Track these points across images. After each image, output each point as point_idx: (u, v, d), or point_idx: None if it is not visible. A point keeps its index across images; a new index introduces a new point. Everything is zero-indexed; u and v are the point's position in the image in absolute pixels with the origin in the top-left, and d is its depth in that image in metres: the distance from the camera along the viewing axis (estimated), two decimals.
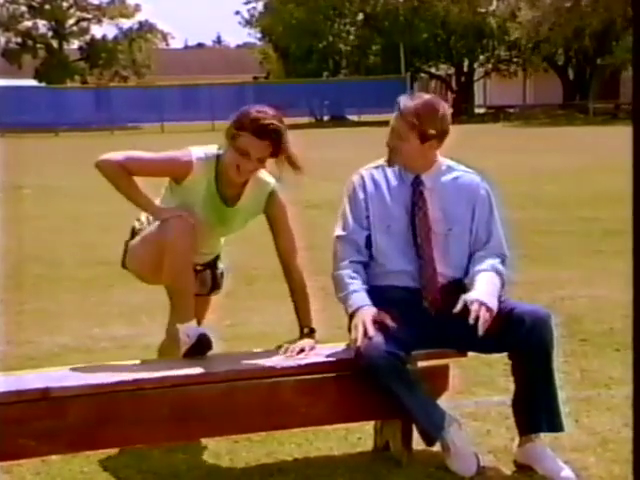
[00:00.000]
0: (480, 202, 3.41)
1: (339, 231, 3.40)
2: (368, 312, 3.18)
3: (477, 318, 3.10)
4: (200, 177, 3.34)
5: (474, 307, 3.12)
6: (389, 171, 3.41)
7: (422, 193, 3.36)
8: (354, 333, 3.16)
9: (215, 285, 3.67)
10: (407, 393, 3.14)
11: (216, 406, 3.15)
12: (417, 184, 3.37)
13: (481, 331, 3.11)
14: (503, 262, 3.39)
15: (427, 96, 3.40)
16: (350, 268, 3.33)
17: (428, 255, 3.32)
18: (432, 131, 3.28)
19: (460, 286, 3.31)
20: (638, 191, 1.36)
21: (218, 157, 3.37)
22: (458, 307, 3.15)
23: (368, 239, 3.37)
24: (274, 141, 3.25)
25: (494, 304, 3.19)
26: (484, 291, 3.21)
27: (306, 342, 3.37)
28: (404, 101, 3.33)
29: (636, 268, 1.40)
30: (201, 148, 3.41)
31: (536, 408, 3.25)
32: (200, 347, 3.28)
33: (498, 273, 3.33)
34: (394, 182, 3.39)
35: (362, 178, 3.41)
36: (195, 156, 3.35)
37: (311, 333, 3.44)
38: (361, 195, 3.38)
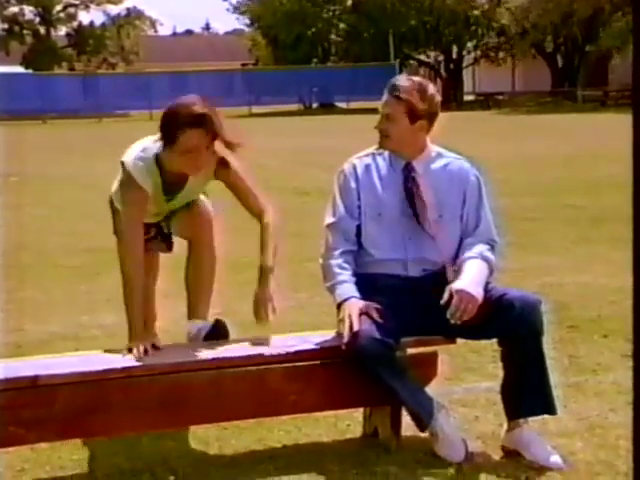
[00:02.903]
0: (470, 188, 3.42)
1: (330, 219, 3.40)
2: (355, 305, 3.19)
3: (457, 310, 3.13)
4: (147, 187, 3.34)
5: (455, 299, 3.15)
6: (380, 159, 3.42)
7: (414, 179, 3.36)
8: (340, 326, 3.17)
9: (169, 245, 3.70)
10: (397, 380, 3.15)
11: (205, 393, 3.15)
12: (409, 170, 3.38)
13: (459, 321, 3.14)
14: (492, 248, 3.41)
15: (416, 77, 3.43)
16: (340, 258, 3.33)
17: (437, 241, 3.35)
18: (421, 107, 3.29)
19: (449, 273, 3.32)
20: (638, 184, 1.36)
21: (157, 155, 3.34)
22: (445, 298, 3.17)
23: (358, 228, 3.37)
24: (208, 126, 3.22)
25: (479, 293, 3.20)
26: (470, 280, 3.22)
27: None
28: (393, 81, 3.37)
29: (636, 262, 1.40)
30: (136, 155, 3.36)
31: (527, 393, 3.26)
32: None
33: (486, 260, 3.34)
34: (385, 169, 3.40)
35: (353, 167, 3.41)
36: (135, 174, 3.32)
37: (265, 271, 3.40)
38: (352, 184, 3.38)
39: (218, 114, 3.27)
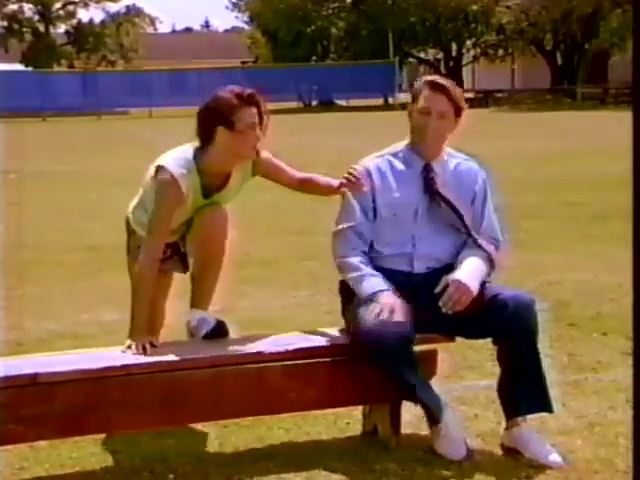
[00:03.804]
0: (479, 189, 3.46)
1: (347, 223, 3.38)
2: (393, 297, 3.20)
3: (449, 299, 3.17)
4: (187, 191, 3.32)
5: (450, 288, 3.18)
6: (396, 160, 3.43)
7: (434, 179, 3.38)
8: (378, 313, 3.14)
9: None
10: (413, 374, 3.15)
11: (205, 391, 3.15)
12: (428, 171, 3.39)
13: (450, 311, 3.17)
14: (496, 247, 3.42)
15: (446, 82, 3.43)
16: (360, 256, 3.35)
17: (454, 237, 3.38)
18: (464, 109, 3.37)
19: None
20: (638, 182, 1.36)
21: (196, 158, 3.34)
22: (440, 287, 3.21)
23: (371, 226, 3.38)
24: (259, 107, 3.31)
25: (474, 286, 3.22)
26: (467, 272, 3.25)
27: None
28: (436, 79, 3.39)
29: (636, 260, 1.40)
30: (175, 159, 3.34)
31: (523, 391, 3.27)
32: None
33: (487, 258, 3.35)
34: (402, 170, 3.41)
35: (367, 170, 3.41)
36: (177, 175, 3.30)
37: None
38: (367, 188, 3.37)
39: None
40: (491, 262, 3.36)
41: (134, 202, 3.56)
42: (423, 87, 3.37)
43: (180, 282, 3.70)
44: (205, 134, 3.32)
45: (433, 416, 3.20)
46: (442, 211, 3.38)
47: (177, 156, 3.36)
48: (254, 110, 3.29)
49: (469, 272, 3.25)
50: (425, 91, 3.36)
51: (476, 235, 3.38)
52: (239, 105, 3.26)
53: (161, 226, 3.35)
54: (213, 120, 3.29)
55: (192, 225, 3.50)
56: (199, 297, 3.48)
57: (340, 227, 3.41)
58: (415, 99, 3.40)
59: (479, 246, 3.35)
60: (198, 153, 3.36)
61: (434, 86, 3.35)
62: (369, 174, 3.39)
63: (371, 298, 3.22)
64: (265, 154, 3.47)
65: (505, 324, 3.20)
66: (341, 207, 3.45)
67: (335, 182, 3.45)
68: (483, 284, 3.30)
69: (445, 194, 3.36)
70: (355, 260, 3.33)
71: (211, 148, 3.33)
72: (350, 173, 3.37)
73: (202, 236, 3.46)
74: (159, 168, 3.34)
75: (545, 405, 3.31)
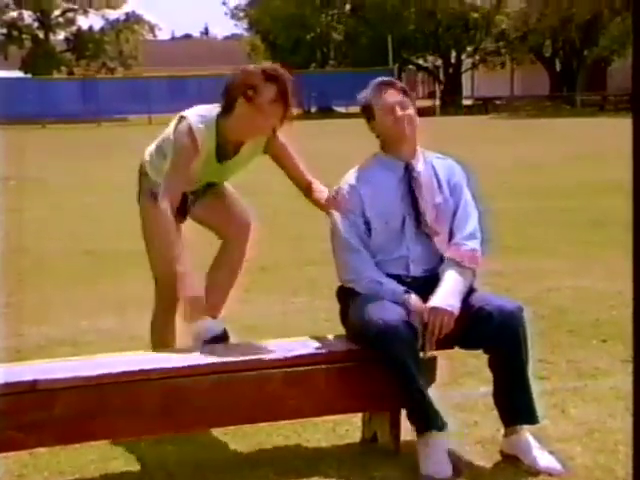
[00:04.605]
0: (458, 184, 3.46)
1: (347, 243, 3.35)
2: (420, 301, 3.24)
3: (432, 334, 3.19)
4: (201, 144, 3.40)
5: (430, 320, 3.19)
6: (378, 167, 3.43)
7: (417, 179, 3.39)
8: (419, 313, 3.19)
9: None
10: (421, 378, 3.14)
11: (204, 398, 3.15)
12: (409, 171, 3.40)
13: (430, 347, 3.21)
14: (477, 242, 3.40)
15: (387, 77, 3.51)
16: (375, 269, 3.34)
17: (438, 239, 3.37)
18: (413, 95, 3.45)
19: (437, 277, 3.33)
20: (638, 187, 1.36)
21: (217, 119, 3.42)
22: (425, 318, 3.21)
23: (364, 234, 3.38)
24: (283, 86, 3.33)
25: (453, 305, 3.22)
26: (445, 293, 3.24)
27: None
28: (393, 81, 3.46)
29: (636, 267, 1.40)
30: (198, 114, 3.43)
31: (513, 401, 3.27)
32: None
33: (468, 264, 3.33)
34: (386, 177, 3.40)
35: (354, 182, 3.40)
36: (195, 128, 3.38)
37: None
38: (356, 199, 3.37)
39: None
40: (471, 265, 3.34)
41: (151, 147, 3.65)
42: (372, 94, 3.40)
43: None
44: (227, 103, 3.40)
45: (424, 422, 3.16)
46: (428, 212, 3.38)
47: (201, 112, 3.44)
48: (276, 88, 3.32)
49: (447, 292, 3.25)
50: (376, 96, 3.38)
51: (455, 237, 3.38)
52: (262, 81, 3.32)
53: (179, 174, 3.40)
54: (235, 90, 3.36)
55: (207, 194, 3.62)
56: (211, 304, 3.50)
57: (343, 248, 3.38)
58: (370, 110, 3.41)
59: (456, 255, 3.33)
60: (220, 117, 3.42)
61: (383, 86, 3.40)
62: (355, 190, 3.38)
63: (402, 301, 3.22)
64: (282, 139, 3.54)
65: (492, 335, 3.20)
66: (334, 228, 3.41)
67: (324, 200, 3.47)
68: (470, 292, 3.31)
69: (423, 192, 3.36)
70: (374, 272, 3.32)
71: (230, 117, 3.39)
72: (335, 193, 3.39)
73: (225, 246, 3.59)
74: (181, 118, 3.44)
75: (531, 418, 3.28)
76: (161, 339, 3.70)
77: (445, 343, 3.31)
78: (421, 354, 3.22)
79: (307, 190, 3.57)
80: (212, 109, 3.46)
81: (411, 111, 3.39)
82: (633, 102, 1.38)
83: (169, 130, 3.51)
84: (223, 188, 3.70)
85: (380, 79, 3.46)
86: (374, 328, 3.11)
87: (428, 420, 3.16)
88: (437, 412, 3.17)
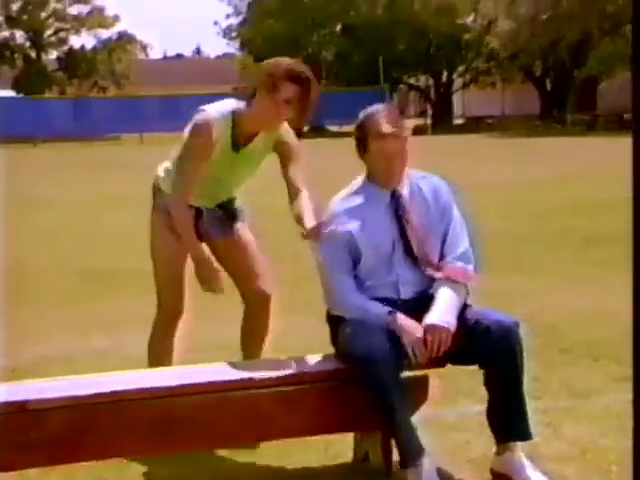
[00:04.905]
0: (446, 204, 3.44)
1: (338, 269, 3.34)
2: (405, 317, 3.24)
3: (431, 350, 3.18)
4: (217, 134, 3.47)
5: (428, 339, 3.18)
6: (362, 196, 3.39)
7: (404, 206, 3.37)
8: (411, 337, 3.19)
9: (233, 218, 3.79)
10: (402, 406, 3.11)
11: (195, 418, 3.13)
12: (397, 197, 3.39)
13: (438, 354, 3.19)
14: (468, 260, 3.40)
15: (381, 106, 3.43)
16: (361, 295, 3.34)
17: (427, 261, 3.35)
18: (407, 126, 3.44)
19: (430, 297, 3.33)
20: (638, 203, 1.37)
21: (234, 112, 3.51)
22: (412, 334, 3.19)
23: (354, 261, 3.37)
24: (305, 88, 3.41)
25: (449, 322, 3.22)
26: (440, 311, 3.24)
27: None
28: (391, 118, 3.35)
29: (636, 278, 1.41)
30: (214, 106, 3.53)
31: (507, 417, 3.26)
32: None
33: (462, 282, 3.33)
34: (373, 204, 3.38)
35: (340, 211, 3.37)
36: (210, 117, 3.47)
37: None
38: (343, 230, 3.34)
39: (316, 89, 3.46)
40: (465, 283, 3.35)
41: (166, 164, 3.72)
42: (369, 129, 3.32)
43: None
44: (251, 88, 3.49)
45: (408, 457, 3.11)
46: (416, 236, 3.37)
47: (217, 105, 3.56)
48: (296, 88, 3.38)
49: (442, 309, 3.25)
50: (373, 134, 3.31)
51: (447, 257, 3.37)
52: (284, 77, 3.39)
53: (193, 161, 3.48)
54: (259, 78, 3.44)
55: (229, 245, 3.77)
56: None
57: (328, 275, 3.37)
58: (364, 142, 3.36)
59: (450, 273, 3.33)
60: (239, 108, 3.52)
61: (380, 122, 3.31)
62: (342, 221, 3.35)
63: (386, 323, 3.21)
64: (295, 143, 3.63)
65: (489, 350, 3.19)
66: (320, 256, 3.40)
67: (307, 224, 3.42)
68: (464, 308, 3.31)
69: (413, 220, 3.35)
70: (358, 298, 3.31)
71: (249, 105, 3.49)
72: (318, 225, 3.35)
73: (249, 320, 3.87)
74: (198, 111, 3.54)
75: (525, 433, 3.27)
76: (157, 354, 3.72)
77: (439, 360, 3.30)
78: (407, 374, 3.20)
79: (295, 201, 3.55)
80: (228, 102, 3.57)
81: (405, 151, 3.35)
82: (634, 111, 1.39)
83: (182, 139, 3.59)
84: (243, 236, 3.79)
85: (378, 111, 3.36)
86: (357, 355, 3.11)
87: (410, 448, 3.12)
88: (418, 438, 3.12)
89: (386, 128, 3.30)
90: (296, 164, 3.62)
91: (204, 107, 3.53)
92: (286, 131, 3.61)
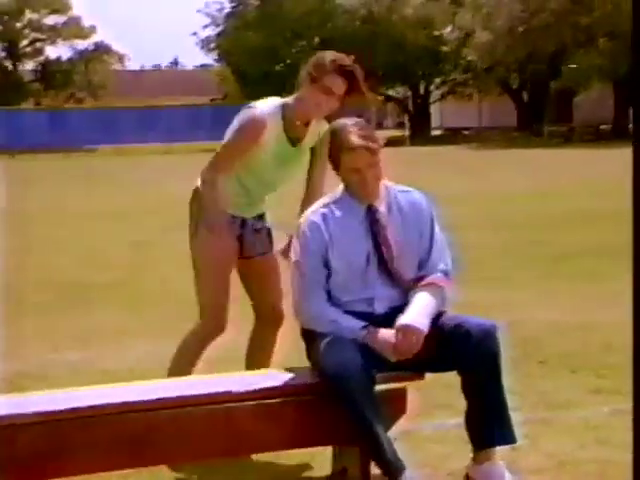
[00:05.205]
0: (425, 218, 3.41)
1: (309, 282, 3.32)
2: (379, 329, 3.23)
3: (401, 347, 3.16)
4: (270, 128, 3.57)
5: (398, 336, 3.17)
6: (337, 208, 3.36)
7: (379, 221, 3.35)
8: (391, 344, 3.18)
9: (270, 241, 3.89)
10: (376, 420, 3.08)
11: (173, 432, 3.10)
12: (373, 211, 3.36)
13: (407, 357, 3.17)
14: (446, 274, 3.38)
15: (350, 119, 3.39)
16: (332, 308, 3.31)
17: (402, 278, 3.34)
18: (379, 142, 3.38)
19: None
20: (638, 212, 1.37)
21: (283, 106, 3.63)
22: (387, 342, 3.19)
23: (327, 276, 3.34)
24: (350, 80, 3.52)
25: (423, 324, 3.20)
26: (415, 312, 3.23)
27: None
28: (357, 130, 3.31)
29: (636, 289, 1.40)
30: (264, 102, 3.66)
31: (489, 422, 3.24)
32: None
33: (437, 290, 3.32)
34: (346, 218, 3.35)
35: (314, 223, 3.34)
36: (264, 111, 3.58)
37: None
38: (316, 242, 3.32)
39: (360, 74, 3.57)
40: (441, 292, 3.33)
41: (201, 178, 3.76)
42: (340, 143, 3.30)
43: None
44: (299, 79, 3.61)
45: (391, 473, 3.08)
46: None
47: (266, 101, 3.68)
48: (340, 81, 3.50)
49: (417, 312, 3.24)
50: (344, 151, 3.29)
51: (426, 270, 3.36)
52: (328, 70, 3.50)
53: (234, 148, 3.60)
54: (305, 68, 3.58)
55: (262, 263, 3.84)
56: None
57: (300, 289, 3.33)
58: (336, 160, 3.33)
59: (429, 282, 3.32)
60: (287, 103, 3.65)
61: (350, 137, 3.28)
62: (319, 229, 3.32)
63: (361, 337, 3.20)
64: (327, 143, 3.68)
65: (470, 353, 3.17)
66: (292, 270, 3.38)
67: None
68: (440, 315, 3.30)
69: (388, 235, 3.33)
70: (331, 312, 3.29)
71: (296, 96, 3.63)
72: (289, 243, 3.49)
73: (258, 336, 3.95)
74: (248, 107, 3.63)
75: (509, 437, 3.26)
76: (185, 367, 3.70)
77: (417, 367, 3.28)
78: (384, 387, 3.19)
79: (310, 195, 3.73)
80: (276, 100, 3.68)
81: (378, 163, 3.31)
82: (635, 123, 1.38)
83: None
84: (275, 262, 3.85)
85: (347, 124, 3.32)
86: (330, 371, 3.10)
87: (390, 463, 3.08)
88: (395, 453, 3.10)
89: (356, 141, 3.27)
90: (324, 165, 3.68)
91: (252, 104, 3.64)
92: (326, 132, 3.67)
